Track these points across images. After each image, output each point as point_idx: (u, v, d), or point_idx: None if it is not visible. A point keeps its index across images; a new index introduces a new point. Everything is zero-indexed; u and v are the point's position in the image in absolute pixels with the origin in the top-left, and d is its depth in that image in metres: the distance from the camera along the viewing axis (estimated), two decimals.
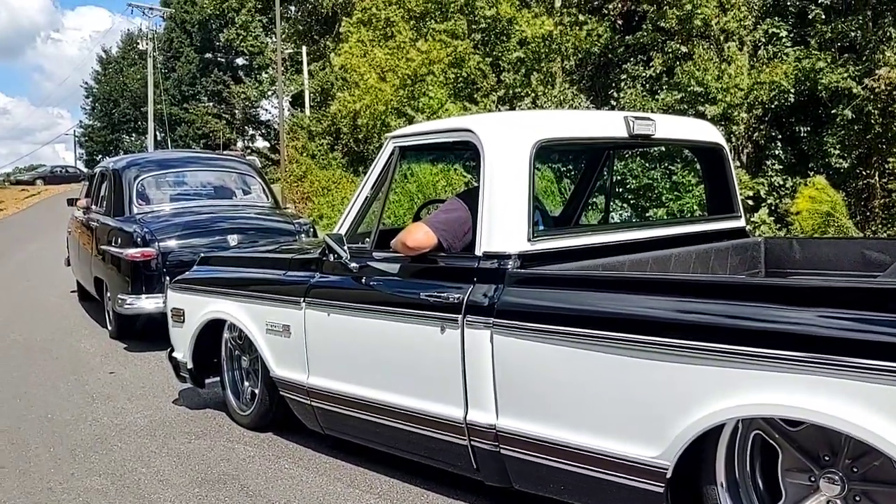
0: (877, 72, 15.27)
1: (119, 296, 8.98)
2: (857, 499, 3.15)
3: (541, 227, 4.99)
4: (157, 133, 59.14)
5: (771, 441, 3.38)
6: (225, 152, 36.83)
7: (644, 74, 18.46)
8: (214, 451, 5.71)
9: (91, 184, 11.63)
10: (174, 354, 6.61)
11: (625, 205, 17.36)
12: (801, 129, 16.94)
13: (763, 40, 17.41)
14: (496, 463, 4.17)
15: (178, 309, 6.51)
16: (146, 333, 9.40)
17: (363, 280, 4.84)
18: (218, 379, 6.50)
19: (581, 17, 20.37)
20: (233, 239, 9.16)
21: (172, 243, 9.02)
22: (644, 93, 18.20)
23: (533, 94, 20.04)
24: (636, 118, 4.84)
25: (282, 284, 5.46)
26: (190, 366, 6.41)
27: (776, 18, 17.31)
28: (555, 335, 3.77)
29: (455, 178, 18.00)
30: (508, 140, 4.31)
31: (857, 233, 14.73)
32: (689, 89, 16.83)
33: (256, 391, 6.03)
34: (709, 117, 15.54)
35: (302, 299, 5.16)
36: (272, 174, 36.28)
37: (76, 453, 5.80)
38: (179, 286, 6.56)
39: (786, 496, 3.37)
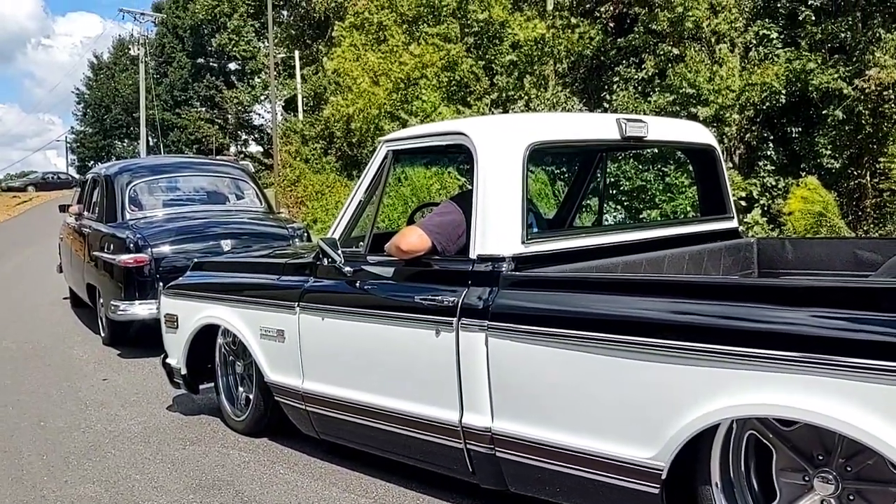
0: (867, 72, 15.34)
1: (112, 302, 8.96)
2: (851, 498, 3.15)
3: (535, 230, 4.99)
4: (150, 138, 59.12)
5: (765, 441, 3.38)
6: (218, 157, 36.84)
7: (636, 77, 18.51)
8: (209, 457, 5.70)
9: (83, 190, 11.59)
10: (168, 360, 6.60)
11: (619, 206, 17.40)
12: (793, 129, 17.01)
13: (754, 42, 17.48)
14: (492, 466, 4.17)
15: (171, 315, 6.50)
16: (140, 340, 9.39)
17: (357, 284, 4.83)
18: (212, 385, 6.48)
19: (573, 20, 20.42)
20: (226, 244, 9.15)
21: (165, 249, 9.00)
22: (636, 95, 18.25)
23: (526, 97, 20.08)
24: (628, 120, 4.85)
25: (276, 289, 5.45)
26: (184, 372, 6.39)
27: (767, 20, 17.38)
28: (549, 337, 3.77)
29: (449, 182, 18.02)
30: (501, 143, 4.32)
31: (850, 232, 14.78)
32: (681, 91, 16.88)
33: (251, 396, 6.02)
34: (701, 119, 15.57)
35: (296, 304, 5.16)
36: (266, 179, 36.28)
37: (70, 461, 5.79)
38: (173, 292, 6.54)
39: (780, 496, 3.37)
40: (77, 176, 62.26)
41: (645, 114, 16.25)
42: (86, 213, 10.76)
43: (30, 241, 25.30)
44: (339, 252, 4.82)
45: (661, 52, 17.76)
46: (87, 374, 8.39)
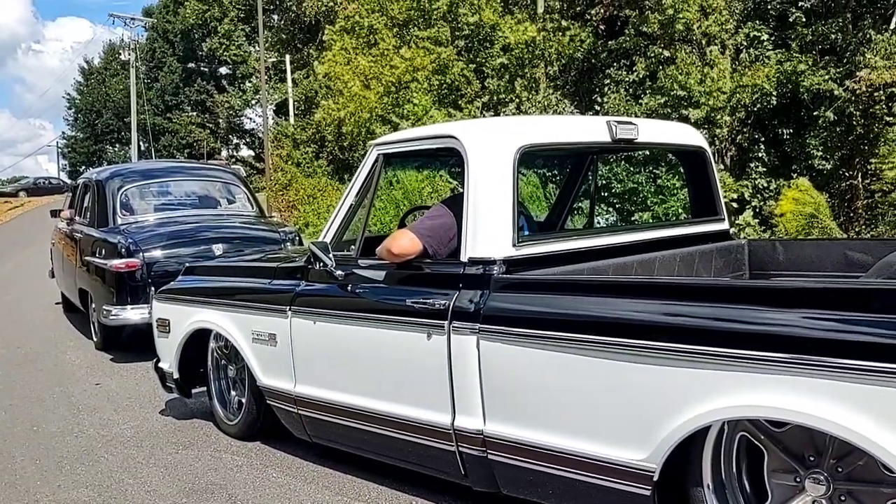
0: (857, 73, 15.38)
1: (104, 307, 8.95)
2: (843, 498, 3.16)
3: (526, 233, 4.99)
4: (141, 143, 59.06)
5: (756, 442, 3.39)
6: (209, 162, 36.80)
7: (627, 79, 18.54)
8: (202, 461, 5.69)
9: (74, 195, 11.58)
10: (160, 365, 6.59)
11: (610, 209, 17.41)
12: (784, 131, 17.04)
13: (745, 44, 17.52)
14: (484, 468, 4.17)
15: (163, 319, 6.50)
16: (132, 344, 9.37)
17: (349, 287, 4.83)
18: (204, 389, 6.49)
19: (564, 23, 20.44)
20: (218, 248, 9.15)
21: (157, 253, 9.00)
22: (628, 97, 18.27)
23: (517, 100, 20.09)
24: (619, 122, 4.87)
25: (267, 293, 5.45)
26: (176, 376, 6.39)
27: (757, 22, 17.42)
28: (541, 340, 3.78)
29: (441, 185, 18.01)
30: (492, 146, 4.32)
31: (841, 234, 14.81)
32: (672, 93, 16.91)
33: (243, 400, 6.02)
34: (692, 121, 15.61)
35: (288, 308, 5.16)
36: (257, 183, 36.23)
37: (62, 465, 5.78)
38: (164, 296, 6.54)
39: (772, 497, 3.38)
40: (68, 181, 62.14)
41: (636, 116, 16.28)
42: (77, 218, 10.74)
43: (22, 247, 25.24)
44: (331, 256, 4.82)
45: (652, 55, 17.80)
46: (79, 378, 8.37)
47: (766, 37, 17.19)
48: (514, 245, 4.20)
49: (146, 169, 11.74)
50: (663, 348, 3.33)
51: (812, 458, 3.24)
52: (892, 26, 16.07)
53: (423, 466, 4.67)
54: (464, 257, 4.24)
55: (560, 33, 20.29)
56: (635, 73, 18.19)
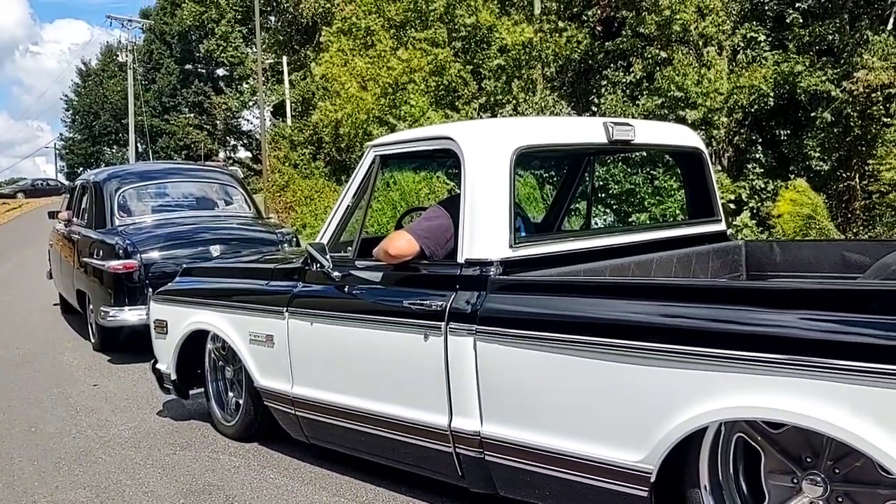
0: (855, 74, 15.38)
1: (102, 308, 8.95)
2: (840, 500, 3.16)
3: (522, 234, 5.00)
4: (139, 145, 59.03)
5: (753, 443, 3.40)
6: (207, 163, 36.78)
7: (624, 80, 18.53)
8: (199, 462, 5.69)
9: (72, 196, 11.58)
10: (158, 366, 6.60)
11: (608, 210, 17.41)
12: (781, 132, 17.04)
13: (742, 45, 17.51)
14: (481, 469, 4.17)
15: (160, 320, 6.50)
16: (130, 345, 9.37)
17: (346, 289, 4.84)
18: (202, 390, 6.48)
19: (561, 24, 20.43)
20: (215, 250, 9.14)
21: (155, 255, 9.00)
22: (625, 98, 18.27)
23: (514, 101, 20.08)
24: (615, 124, 4.87)
25: (265, 294, 5.45)
26: (174, 377, 6.39)
27: (754, 23, 17.41)
28: (538, 341, 3.78)
29: (438, 186, 18.01)
30: (488, 147, 4.33)
31: (839, 235, 14.81)
32: (669, 94, 16.91)
33: (241, 401, 6.02)
34: (689, 122, 15.61)
35: (285, 309, 5.16)
36: (254, 184, 36.22)
37: (60, 466, 5.78)
38: (162, 298, 6.54)
39: (769, 498, 3.38)
40: (66, 182, 62.08)
41: (633, 117, 16.29)
42: (75, 219, 10.75)
43: (20, 248, 25.23)
44: (328, 257, 4.83)
45: (649, 56, 17.79)
46: (77, 379, 8.37)
47: (763, 38, 17.18)
48: (510, 246, 4.20)
49: (144, 170, 11.75)
50: (660, 349, 3.33)
51: (809, 460, 3.24)
52: (889, 27, 16.08)
53: (420, 468, 4.67)
54: (461, 258, 4.24)
55: (557, 34, 20.28)
56: (632, 75, 18.19)
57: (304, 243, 9.03)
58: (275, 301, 5.27)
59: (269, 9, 42.31)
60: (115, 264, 8.80)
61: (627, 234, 5.36)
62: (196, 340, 6.23)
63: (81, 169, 64.42)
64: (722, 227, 5.81)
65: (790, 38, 16.85)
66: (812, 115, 16.22)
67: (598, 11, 19.82)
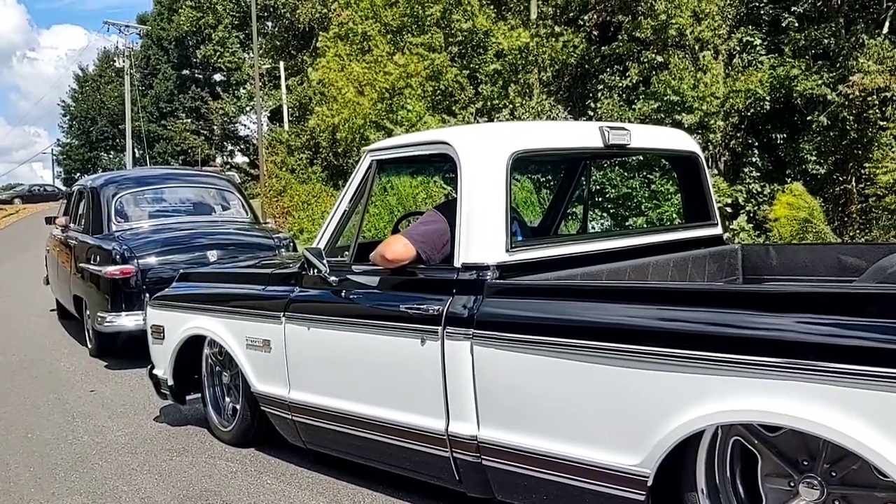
0: (850, 78, 15.39)
1: (99, 314, 8.94)
2: (836, 503, 3.17)
3: (519, 238, 5.01)
4: (136, 150, 58.98)
5: (750, 447, 3.40)
6: (204, 168, 36.78)
7: (621, 84, 18.56)
8: (196, 468, 5.69)
9: (69, 202, 11.58)
10: (154, 371, 6.59)
11: (605, 214, 17.42)
12: (778, 136, 17.05)
13: (738, 49, 17.53)
14: (478, 474, 4.17)
15: (157, 326, 6.50)
16: (126, 351, 9.35)
17: (343, 293, 4.84)
18: (199, 395, 6.48)
19: (557, 29, 20.47)
20: (212, 255, 9.13)
21: (152, 260, 8.99)
22: (621, 102, 18.29)
23: (511, 106, 20.10)
24: (611, 128, 4.87)
25: (262, 299, 5.45)
26: (170, 382, 6.38)
27: (750, 27, 17.44)
28: (534, 345, 3.78)
29: (435, 191, 18.02)
30: (485, 152, 4.33)
31: (835, 238, 14.82)
32: (665, 98, 16.92)
33: (238, 407, 6.02)
34: (686, 126, 15.63)
35: (282, 314, 5.16)
36: (252, 189, 36.22)
37: (57, 472, 5.77)
38: (159, 303, 6.54)
39: (766, 501, 3.39)
40: (63, 188, 62.11)
41: (630, 121, 16.30)
42: (72, 224, 10.74)
43: (17, 253, 25.21)
44: (325, 262, 4.82)
45: (646, 60, 17.81)
46: (74, 385, 8.36)
47: (758, 42, 17.21)
48: (507, 250, 4.20)
49: (141, 176, 11.75)
50: (657, 353, 3.33)
51: (806, 463, 3.24)
52: (884, 31, 16.10)
53: (417, 472, 4.67)
54: (457, 263, 4.24)
55: (553, 39, 20.32)
56: (628, 79, 18.21)
57: (301, 248, 9.04)
58: (272, 306, 5.27)
59: (266, 14, 42.34)
60: (111, 270, 8.79)
61: (624, 238, 5.36)
62: (193, 346, 6.23)
63: (78, 174, 64.38)
64: (718, 230, 5.82)
65: (786, 42, 16.87)
66: (808, 118, 16.23)
67: (595, 16, 19.86)
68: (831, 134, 16.07)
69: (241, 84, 51.68)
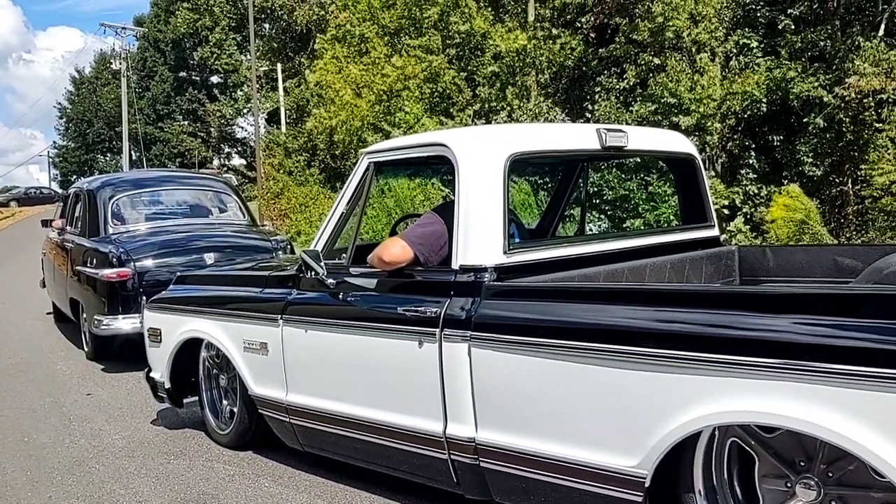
0: (847, 80, 15.41)
1: (95, 317, 8.93)
2: (833, 503, 3.17)
3: (516, 240, 5.01)
4: (133, 153, 59.02)
5: (747, 448, 3.40)
6: (201, 171, 36.77)
7: (618, 87, 18.58)
8: (194, 471, 5.68)
9: (65, 205, 11.57)
10: (152, 374, 6.58)
11: (602, 216, 17.42)
12: (774, 137, 17.08)
13: (734, 51, 17.56)
14: (476, 476, 4.17)
15: (154, 329, 6.49)
16: (123, 354, 9.35)
17: (340, 296, 4.84)
18: (196, 398, 6.48)
19: (554, 31, 20.48)
20: (209, 257, 9.14)
21: (148, 263, 8.99)
22: (618, 105, 18.31)
23: (508, 108, 20.11)
24: (608, 130, 4.88)
25: (259, 302, 5.45)
26: (168, 386, 6.38)
27: (747, 29, 17.47)
28: (532, 347, 3.78)
29: (433, 193, 18.01)
30: (482, 154, 4.33)
31: (832, 240, 14.83)
32: (662, 101, 16.94)
33: (235, 410, 6.01)
34: (683, 128, 15.65)
35: (279, 316, 5.15)
36: (249, 191, 36.25)
37: (54, 476, 5.77)
38: (156, 306, 6.54)
39: (763, 502, 3.39)
40: (60, 191, 62.12)
41: (627, 123, 16.31)
42: (68, 227, 10.73)
43: (12, 256, 25.18)
44: (322, 264, 4.82)
45: (643, 62, 17.83)
46: (70, 388, 8.35)
47: (755, 44, 17.24)
48: (504, 252, 4.21)
49: (137, 178, 11.76)
50: (654, 354, 3.33)
51: (803, 463, 3.25)
52: (880, 33, 16.12)
53: (415, 475, 4.66)
54: (455, 265, 4.25)
55: (551, 41, 20.33)
56: (626, 81, 18.23)
57: (298, 250, 9.03)
58: (269, 308, 5.27)
59: (263, 16, 42.29)
60: (108, 273, 8.78)
61: (621, 240, 5.37)
62: (190, 349, 6.23)
63: (75, 177, 64.39)
64: (715, 232, 5.82)
65: (782, 44, 16.90)
66: (804, 120, 16.26)
67: (592, 18, 19.87)
68: (827, 136, 16.10)
69: (239, 86, 51.65)
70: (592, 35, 20.11)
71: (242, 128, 55.85)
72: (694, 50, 17.44)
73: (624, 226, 16.85)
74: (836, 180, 16.54)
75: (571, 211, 7.20)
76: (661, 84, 17.02)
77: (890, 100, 15.17)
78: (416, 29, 23.01)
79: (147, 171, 18.97)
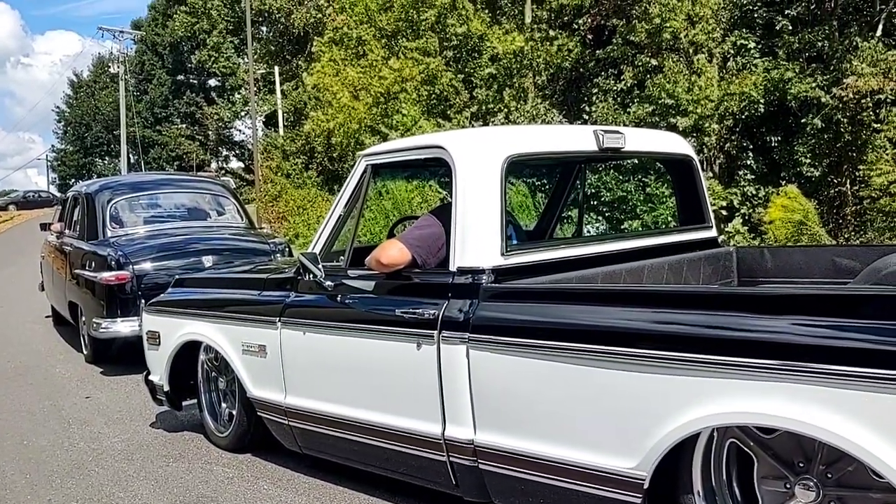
0: (844, 81, 15.41)
1: (94, 320, 8.93)
2: None
3: (514, 242, 5.00)
4: (131, 156, 59.02)
5: (746, 449, 3.40)
6: (199, 174, 36.75)
7: (615, 88, 18.58)
8: (193, 474, 5.68)
9: (64, 208, 11.57)
10: (150, 377, 6.58)
11: (600, 217, 17.42)
12: (772, 138, 17.08)
13: (732, 52, 17.56)
14: (475, 478, 4.17)
15: (153, 332, 6.49)
16: (122, 357, 9.34)
17: (338, 298, 4.84)
18: (195, 401, 6.48)
19: (552, 33, 20.48)
20: (208, 260, 9.14)
21: (147, 266, 8.99)
22: (616, 106, 18.31)
23: (505, 110, 20.12)
24: (605, 132, 4.88)
25: (257, 304, 5.45)
26: (166, 388, 6.38)
27: (744, 30, 17.47)
28: (530, 349, 3.78)
29: (430, 195, 18.01)
30: (479, 156, 4.33)
31: (830, 240, 14.82)
32: (660, 102, 16.94)
33: (234, 412, 6.01)
34: (680, 129, 15.65)
35: (277, 319, 5.15)
36: (247, 194, 36.21)
37: (53, 479, 5.76)
38: (155, 309, 6.53)
39: (762, 503, 3.39)
40: (58, 194, 62.05)
41: (625, 125, 16.33)
42: (67, 230, 10.73)
43: (12, 260, 25.17)
44: (320, 266, 4.82)
45: (640, 64, 17.83)
46: (69, 392, 8.35)
47: (752, 45, 17.25)
48: (502, 254, 4.21)
49: (136, 181, 11.73)
50: (652, 356, 3.33)
51: (802, 465, 3.24)
52: (877, 33, 16.13)
53: (414, 477, 4.66)
54: (452, 267, 4.25)
55: (548, 43, 20.33)
56: (623, 82, 18.22)
57: (296, 253, 9.03)
58: (267, 311, 5.27)
59: (260, 19, 42.32)
60: (107, 276, 8.78)
61: (619, 242, 5.37)
62: (189, 351, 6.22)
63: (73, 180, 64.33)
64: (713, 233, 5.82)
65: (780, 45, 16.91)
66: (802, 121, 16.26)
67: (589, 20, 19.85)
68: (825, 136, 16.10)
69: (236, 89, 51.60)
70: (589, 37, 20.10)
71: (240, 131, 55.91)
72: (691, 51, 17.46)
73: (622, 227, 16.84)
74: (835, 181, 16.54)
75: (569, 212, 7.21)
76: (659, 85, 17.02)
77: (888, 100, 15.18)
78: (413, 31, 23.03)
79: (145, 175, 18.96)
